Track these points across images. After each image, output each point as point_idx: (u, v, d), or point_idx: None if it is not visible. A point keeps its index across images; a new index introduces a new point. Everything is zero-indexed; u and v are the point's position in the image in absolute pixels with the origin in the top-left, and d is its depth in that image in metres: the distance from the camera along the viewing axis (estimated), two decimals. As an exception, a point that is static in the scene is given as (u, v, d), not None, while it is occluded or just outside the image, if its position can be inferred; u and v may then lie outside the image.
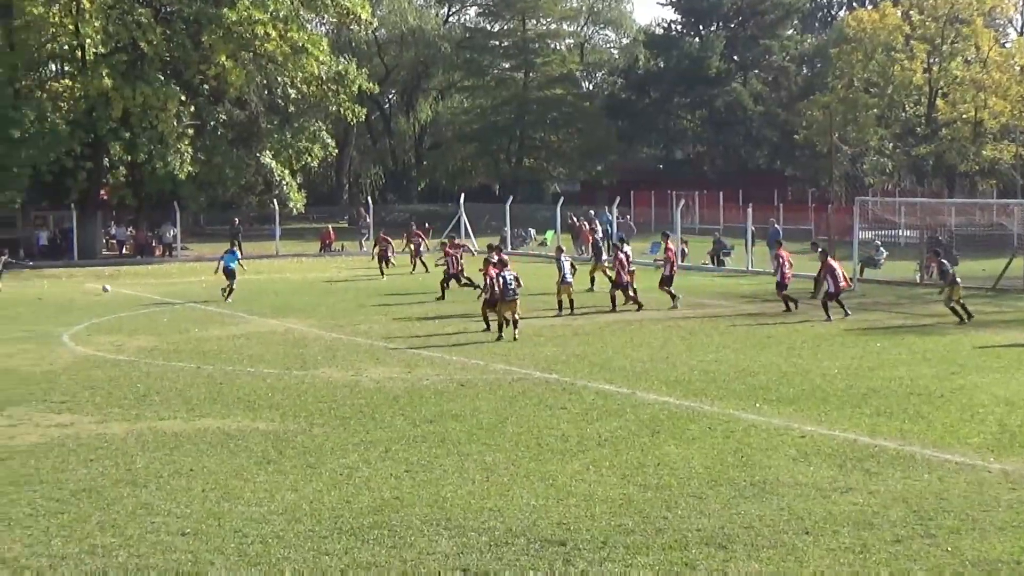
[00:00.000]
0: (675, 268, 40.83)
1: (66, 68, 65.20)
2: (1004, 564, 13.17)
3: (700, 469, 17.53)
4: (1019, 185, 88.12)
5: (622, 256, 38.82)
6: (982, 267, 47.24)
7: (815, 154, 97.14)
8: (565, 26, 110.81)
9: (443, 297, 42.19)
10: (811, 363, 27.30)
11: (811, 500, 15.85)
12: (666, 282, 39.21)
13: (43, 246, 65.57)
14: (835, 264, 35.99)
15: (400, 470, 17.78)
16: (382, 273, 51.18)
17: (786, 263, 37.58)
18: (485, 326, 33.34)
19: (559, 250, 39.72)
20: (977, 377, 25.31)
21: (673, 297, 38.87)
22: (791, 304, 36.98)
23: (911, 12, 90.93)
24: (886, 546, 13.88)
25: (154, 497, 16.41)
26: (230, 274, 42.78)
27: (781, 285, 37.55)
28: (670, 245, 41.63)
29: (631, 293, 38.28)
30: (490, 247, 40.11)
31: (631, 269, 39.22)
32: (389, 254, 52.45)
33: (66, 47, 63.29)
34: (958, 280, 34.26)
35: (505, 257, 36.95)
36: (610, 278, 39.67)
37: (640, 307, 37.67)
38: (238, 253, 45.35)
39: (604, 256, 39.35)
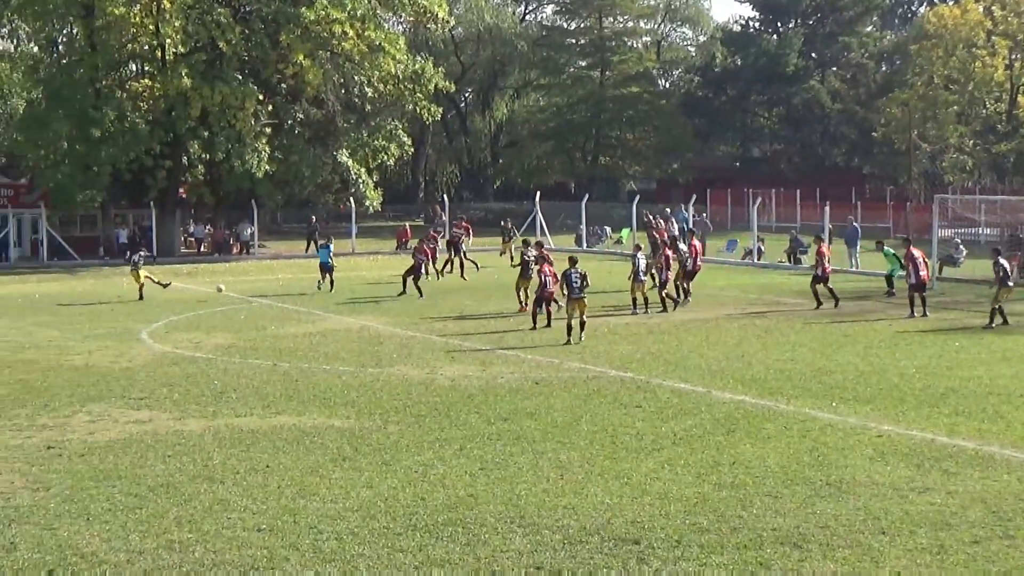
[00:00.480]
0: (698, 264, 41.02)
1: (146, 68, 65.79)
2: (1084, 566, 13.03)
3: (775, 468, 17.45)
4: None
5: (670, 252, 38.66)
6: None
7: (893, 152, 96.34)
8: (642, 24, 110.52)
9: (404, 292, 42.90)
10: (888, 362, 27.07)
11: (888, 500, 15.74)
12: (690, 276, 39.70)
13: (123, 244, 65.97)
14: (917, 254, 35.54)
15: (475, 468, 17.81)
16: (438, 273, 50.15)
17: (920, 262, 36.05)
18: (532, 325, 33.41)
19: (636, 247, 39.52)
20: (1059, 377, 25.03)
21: (686, 293, 39.25)
22: (917, 310, 35.49)
23: (993, 8, 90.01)
24: (964, 547, 13.76)
25: (230, 493, 16.54)
26: (326, 268, 44.00)
27: (919, 285, 35.73)
28: (694, 242, 42.13)
29: (664, 293, 37.84)
30: (525, 243, 39.94)
31: (690, 267, 39.48)
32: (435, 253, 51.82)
33: (146, 47, 63.84)
34: (1010, 283, 33.65)
35: (547, 253, 37.61)
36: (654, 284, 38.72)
37: (666, 309, 37.30)
38: (331, 247, 45.79)
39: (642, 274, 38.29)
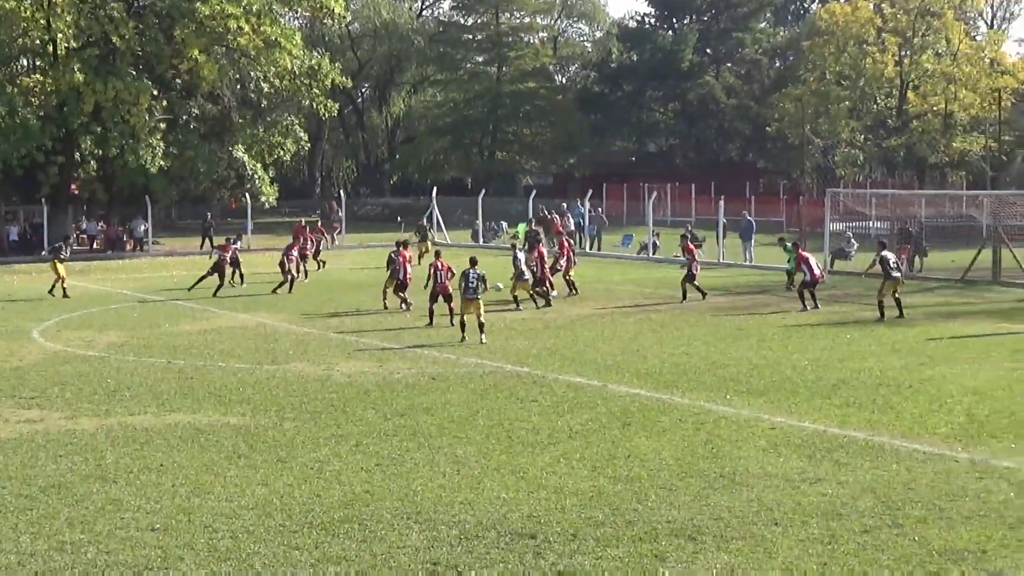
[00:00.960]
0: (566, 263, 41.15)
1: (37, 63, 64.89)
2: (970, 554, 13.27)
3: (670, 461, 17.59)
4: (988, 177, 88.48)
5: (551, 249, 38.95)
6: (951, 258, 47.51)
7: (787, 146, 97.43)
8: (538, 19, 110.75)
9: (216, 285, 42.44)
10: (781, 355, 27.41)
11: (780, 491, 15.92)
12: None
13: (13, 241, 65.15)
14: (808, 255, 36.07)
15: (371, 464, 17.78)
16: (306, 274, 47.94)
17: (813, 263, 36.66)
18: (428, 321, 33.49)
19: (513, 246, 39.78)
20: (945, 368, 25.46)
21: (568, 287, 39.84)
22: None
23: (883, 5, 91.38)
24: (854, 536, 13.96)
25: (124, 493, 16.34)
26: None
27: (812, 283, 36.31)
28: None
29: (539, 288, 37.95)
30: (398, 243, 39.50)
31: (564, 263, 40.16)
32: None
33: (37, 41, 62.93)
34: (895, 274, 33.97)
35: (440, 250, 38.30)
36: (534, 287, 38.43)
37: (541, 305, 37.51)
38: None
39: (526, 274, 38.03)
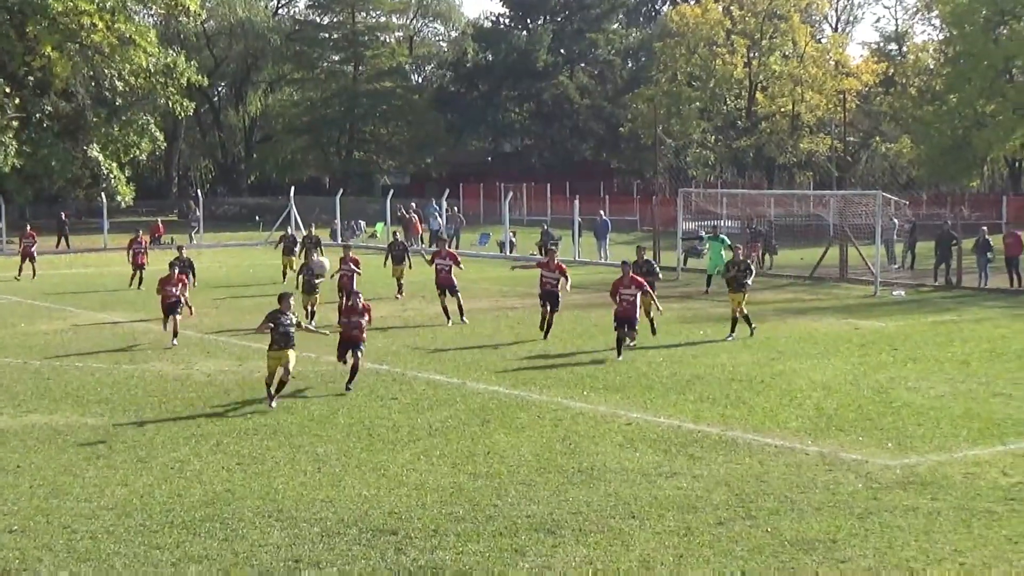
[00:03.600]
0: None
1: None
2: (820, 543, 13.55)
3: (529, 457, 17.71)
4: (834, 177, 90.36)
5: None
6: (800, 256, 48.39)
7: (640, 146, 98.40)
8: (394, 19, 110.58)
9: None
10: (636, 351, 27.66)
11: (637, 485, 16.12)
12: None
13: None
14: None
15: (232, 463, 17.68)
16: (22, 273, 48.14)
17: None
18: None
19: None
20: (795, 363, 25.97)
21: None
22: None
23: (732, 8, 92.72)
24: (709, 528, 14.18)
25: (-12, 492, 16.11)
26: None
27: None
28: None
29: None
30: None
31: None
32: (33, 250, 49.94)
33: None
34: (748, 281, 31.72)
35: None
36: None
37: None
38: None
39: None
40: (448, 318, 32.99)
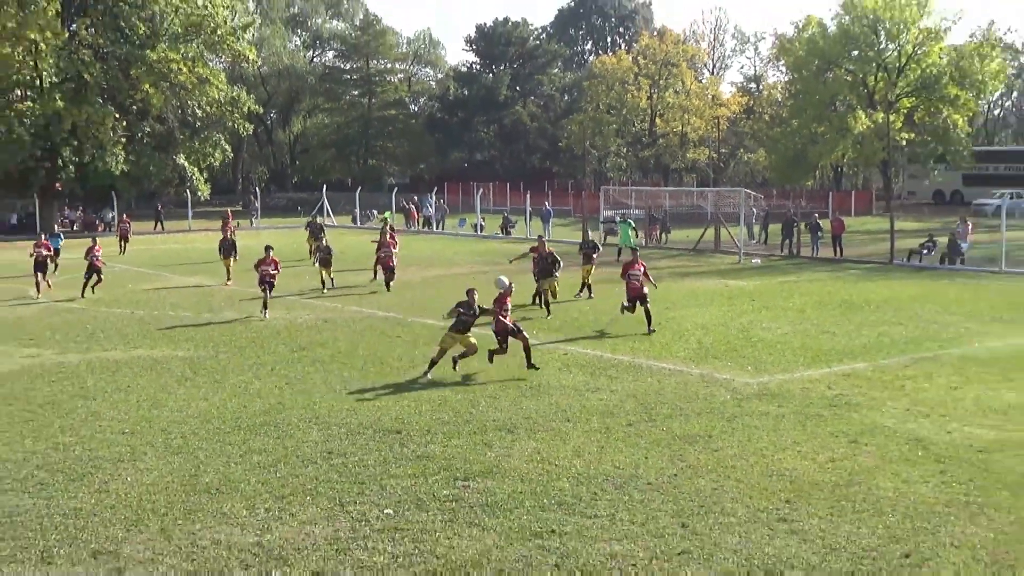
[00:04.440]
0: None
1: (28, 93, 62.18)
2: (700, 438, 13.71)
3: (495, 377, 17.80)
4: (711, 178, 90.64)
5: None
6: (687, 235, 48.60)
7: (573, 157, 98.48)
8: (397, 65, 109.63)
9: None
10: (570, 305, 27.72)
11: (571, 397, 16.24)
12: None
13: (13, 225, 63.62)
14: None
15: (282, 383, 17.73)
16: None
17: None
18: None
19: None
20: (683, 311, 26.12)
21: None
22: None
23: (638, 58, 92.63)
24: (622, 428, 14.32)
25: (101, 407, 16.11)
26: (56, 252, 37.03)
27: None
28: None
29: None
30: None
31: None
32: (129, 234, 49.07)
33: (28, 77, 60.61)
34: (594, 256, 30.15)
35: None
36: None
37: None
38: (61, 237, 40.97)
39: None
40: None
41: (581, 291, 28.90)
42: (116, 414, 15.62)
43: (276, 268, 26.28)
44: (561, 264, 26.80)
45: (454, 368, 18.17)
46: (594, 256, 29.81)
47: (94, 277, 31.23)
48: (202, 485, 12.14)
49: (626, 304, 23.15)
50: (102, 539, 10.53)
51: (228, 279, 33.79)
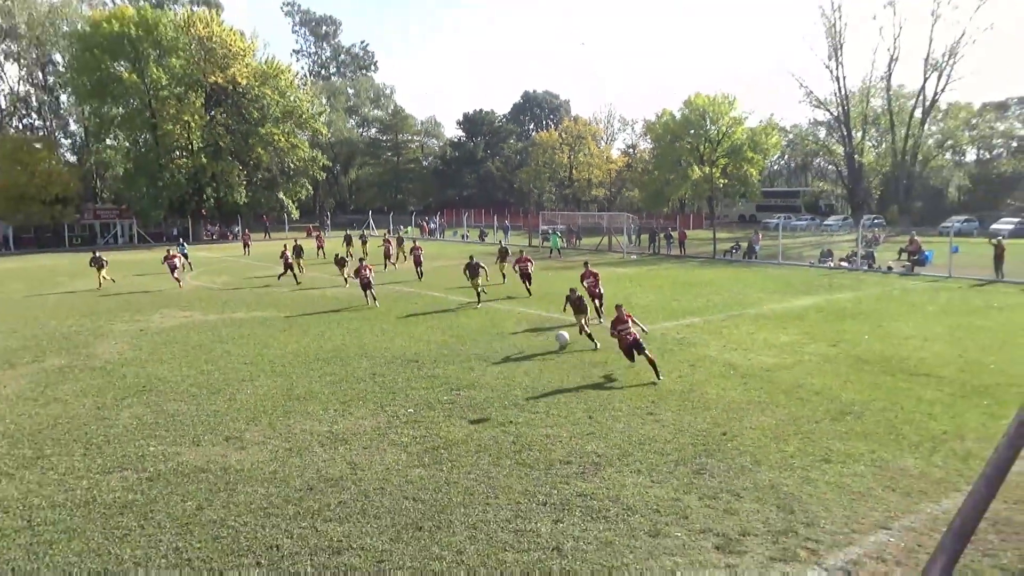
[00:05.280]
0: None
1: (183, 153, 60.98)
2: (599, 363, 13.59)
3: (475, 327, 17.65)
4: (607, 206, 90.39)
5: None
6: (595, 242, 48.49)
7: (524, 194, 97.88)
8: (414, 137, 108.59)
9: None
10: (535, 281, 27.24)
11: (522, 341, 16.05)
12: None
13: (175, 235, 62.40)
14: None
15: (344, 331, 17.54)
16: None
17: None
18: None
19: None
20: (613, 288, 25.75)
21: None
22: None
23: (562, 133, 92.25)
24: (554, 358, 14.13)
25: (230, 347, 15.91)
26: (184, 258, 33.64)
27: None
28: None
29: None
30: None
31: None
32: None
33: (183, 144, 59.45)
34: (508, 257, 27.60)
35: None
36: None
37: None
38: (185, 246, 37.72)
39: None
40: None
41: (504, 280, 26.38)
42: (240, 352, 15.45)
43: (371, 271, 22.30)
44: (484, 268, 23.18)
45: (589, 338, 15.33)
46: (508, 256, 27.55)
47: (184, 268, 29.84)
48: (294, 395, 12.07)
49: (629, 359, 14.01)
50: (231, 429, 10.45)
51: (298, 269, 30.15)
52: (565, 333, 15.58)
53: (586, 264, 21.96)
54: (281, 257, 29.77)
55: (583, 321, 15.59)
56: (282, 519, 7.77)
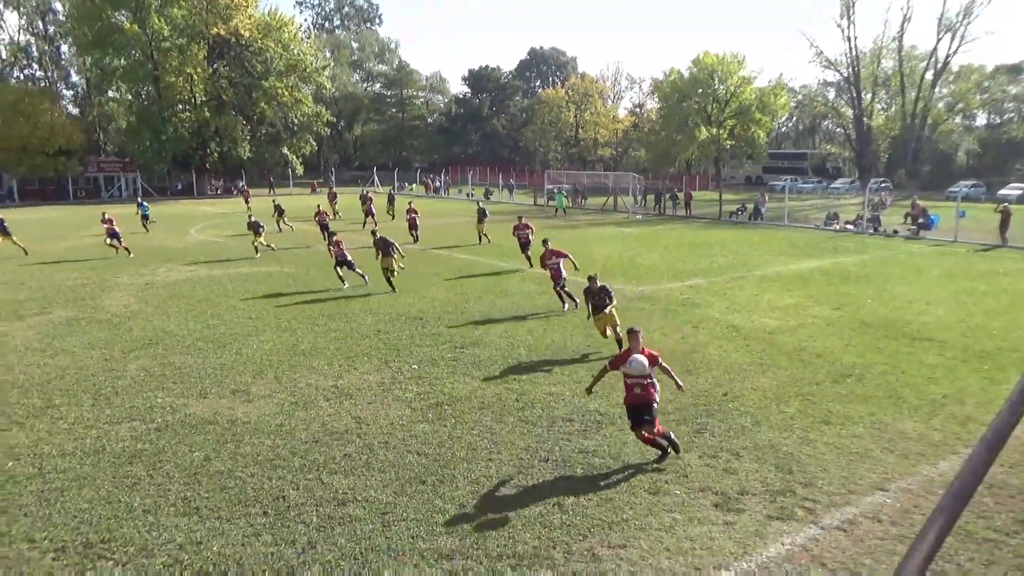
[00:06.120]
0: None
1: (186, 107, 60.37)
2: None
3: (479, 288, 17.61)
4: (613, 166, 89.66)
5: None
6: (600, 202, 48.19)
7: (530, 152, 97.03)
8: (419, 93, 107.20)
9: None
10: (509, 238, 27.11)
11: (526, 300, 16.03)
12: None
13: (178, 189, 62.31)
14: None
15: (349, 288, 17.52)
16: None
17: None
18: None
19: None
20: (593, 247, 25.10)
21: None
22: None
23: (568, 91, 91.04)
24: (557, 316, 14.21)
25: (235, 303, 15.97)
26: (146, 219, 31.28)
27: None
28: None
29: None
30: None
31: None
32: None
33: (186, 97, 58.77)
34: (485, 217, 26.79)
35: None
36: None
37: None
38: (147, 206, 32.97)
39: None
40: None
41: (480, 241, 25.83)
42: (246, 307, 15.50)
43: (343, 245, 19.41)
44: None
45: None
46: (485, 218, 26.45)
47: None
48: (300, 350, 12.13)
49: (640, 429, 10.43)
50: (238, 383, 10.53)
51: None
52: (641, 357, 12.02)
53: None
54: (316, 219, 26.81)
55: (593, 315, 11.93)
56: (288, 471, 7.88)
